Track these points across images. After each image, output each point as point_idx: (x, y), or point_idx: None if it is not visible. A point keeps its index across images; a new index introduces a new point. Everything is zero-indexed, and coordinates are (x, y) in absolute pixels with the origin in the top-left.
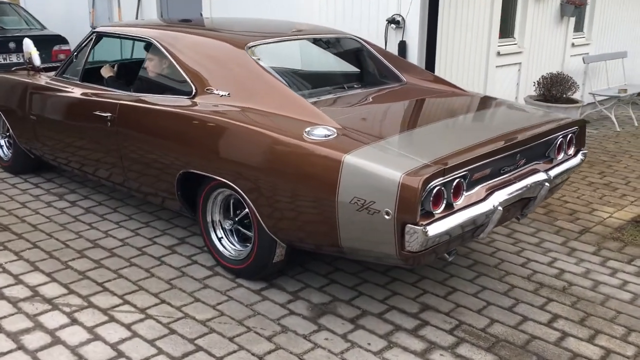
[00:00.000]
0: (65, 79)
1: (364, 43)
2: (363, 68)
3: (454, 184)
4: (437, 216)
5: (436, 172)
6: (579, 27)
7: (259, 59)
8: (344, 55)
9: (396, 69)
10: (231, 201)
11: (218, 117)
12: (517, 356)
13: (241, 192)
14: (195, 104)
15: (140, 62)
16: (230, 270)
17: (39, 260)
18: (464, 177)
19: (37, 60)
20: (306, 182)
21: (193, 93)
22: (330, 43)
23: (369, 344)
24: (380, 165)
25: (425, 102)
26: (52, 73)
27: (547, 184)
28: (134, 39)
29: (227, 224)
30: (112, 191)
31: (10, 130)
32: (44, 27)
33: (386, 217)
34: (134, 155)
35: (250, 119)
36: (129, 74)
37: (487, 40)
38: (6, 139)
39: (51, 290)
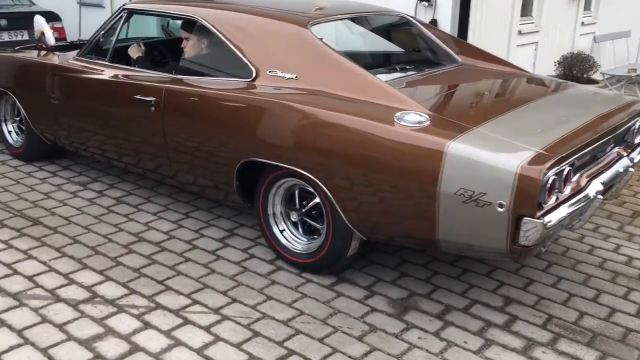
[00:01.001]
0: (92, 59)
1: (414, 21)
2: (419, 48)
3: (565, 172)
4: (547, 207)
5: (555, 161)
6: (587, 6)
7: (321, 39)
8: (399, 34)
9: (449, 47)
10: (296, 191)
11: (290, 102)
12: (619, 351)
13: (319, 182)
14: (257, 88)
15: (177, 41)
16: (296, 264)
17: (85, 256)
18: (572, 165)
19: (51, 39)
20: (400, 172)
21: (253, 76)
22: (383, 21)
23: (466, 342)
24: (492, 154)
25: (498, 84)
26: (71, 53)
27: (631, 169)
28: (174, 17)
29: (294, 216)
30: (139, 179)
31: (25, 114)
32: (32, 3)
33: (499, 209)
34: (183, 143)
35: (328, 103)
36: (165, 54)
37: (509, 19)
38: (15, 124)
39: (110, 290)
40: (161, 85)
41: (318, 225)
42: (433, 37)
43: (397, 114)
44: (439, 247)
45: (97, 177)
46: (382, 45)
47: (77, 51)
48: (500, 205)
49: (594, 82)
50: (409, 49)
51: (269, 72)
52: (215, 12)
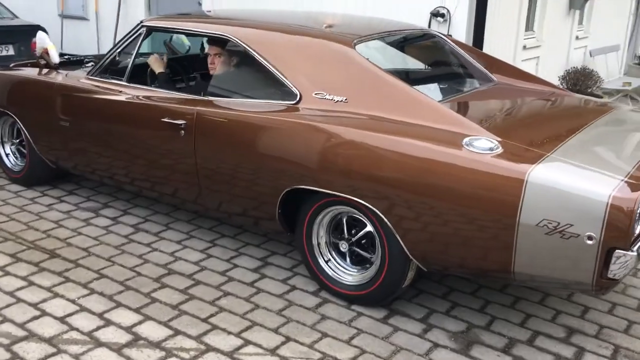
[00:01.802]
0: (107, 79)
1: (446, 38)
2: (455, 66)
3: None
4: (635, 237)
5: None
6: (579, 20)
7: (367, 59)
8: (432, 52)
9: (482, 65)
10: (343, 220)
11: (345, 127)
12: None
13: (378, 211)
14: (303, 111)
15: (199, 60)
16: (344, 296)
17: (116, 293)
18: None
19: (55, 57)
20: (473, 201)
21: (297, 98)
22: (415, 39)
23: None
24: (578, 183)
25: (547, 105)
26: (78, 71)
27: None
28: (201, 35)
29: (343, 246)
30: (152, 204)
31: (28, 137)
32: (15, 16)
33: (588, 242)
34: (217, 169)
35: (387, 128)
36: (190, 74)
37: (515, 34)
38: (14, 147)
39: (152, 331)
40: (192, 108)
41: (368, 255)
42: (466, 55)
43: (466, 140)
44: (513, 278)
45: (107, 202)
46: (418, 64)
47: (82, 69)
48: (590, 238)
49: (597, 96)
50: (445, 68)
51: (315, 94)
52: (250, 30)
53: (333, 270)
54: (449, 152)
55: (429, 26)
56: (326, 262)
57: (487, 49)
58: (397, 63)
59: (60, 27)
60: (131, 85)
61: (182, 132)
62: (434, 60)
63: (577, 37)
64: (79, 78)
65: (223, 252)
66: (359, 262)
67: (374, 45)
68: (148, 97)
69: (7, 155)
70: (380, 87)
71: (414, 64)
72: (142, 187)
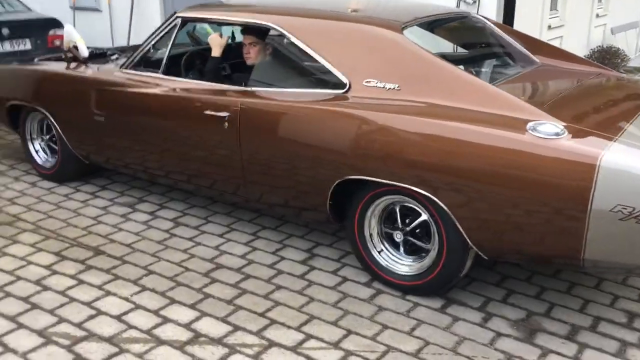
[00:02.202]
0: (142, 71)
1: (486, 21)
2: (498, 48)
3: None
4: None
5: None
6: None
7: (417, 44)
8: (474, 34)
9: (524, 47)
10: (396, 209)
11: (402, 115)
12: None
13: (438, 201)
14: (352, 100)
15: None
16: (398, 286)
17: (167, 289)
18: None
19: (84, 51)
20: (541, 188)
21: (347, 87)
22: (456, 22)
23: None
24: None
25: (599, 86)
26: (108, 65)
27: None
28: (241, 25)
29: (398, 236)
30: (187, 197)
31: (60, 133)
32: (28, 9)
33: None
34: (264, 161)
35: (445, 115)
36: (227, 65)
37: (541, 14)
38: (44, 143)
39: (211, 327)
40: (236, 100)
41: (423, 245)
42: (507, 37)
43: (530, 125)
44: (582, 266)
45: (142, 196)
46: (462, 48)
47: (113, 62)
48: None
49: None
50: (489, 51)
51: (365, 82)
52: (293, 19)
53: (386, 261)
54: (514, 138)
55: (458, 8)
56: (379, 252)
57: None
58: (442, 47)
59: (73, 20)
60: (168, 77)
61: (226, 124)
62: (478, 43)
63: (597, 15)
64: (112, 71)
65: (267, 244)
66: (412, 251)
67: (418, 30)
68: (187, 90)
69: (37, 151)
70: (434, 73)
71: (458, 48)
72: (180, 180)
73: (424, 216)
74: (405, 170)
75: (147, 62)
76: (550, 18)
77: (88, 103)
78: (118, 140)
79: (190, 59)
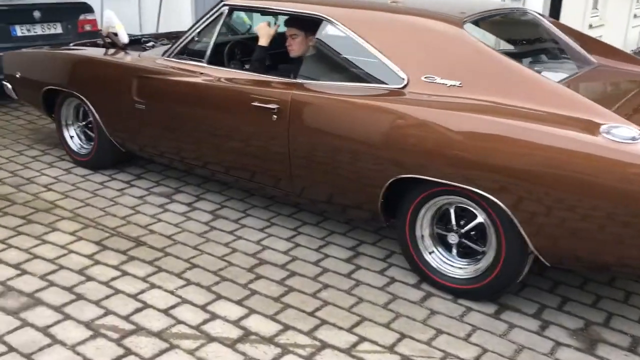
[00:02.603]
0: (185, 60)
1: (541, 17)
2: (557, 47)
3: None
4: None
5: None
6: None
7: (479, 39)
8: (531, 31)
9: (580, 45)
10: (450, 210)
11: (466, 113)
12: None
13: (500, 203)
14: (411, 95)
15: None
16: (450, 289)
17: (213, 283)
18: None
19: (124, 37)
20: (615, 194)
21: (405, 82)
22: (513, 18)
23: None
24: None
25: None
26: (151, 52)
27: None
28: (291, 15)
29: (452, 238)
30: (224, 188)
31: (99, 120)
32: None
33: None
34: (314, 155)
35: (512, 114)
36: (274, 56)
37: (583, 13)
38: (79, 129)
39: (261, 325)
40: (286, 92)
41: (479, 248)
42: (563, 35)
43: (603, 128)
44: None
45: (178, 187)
46: (519, 45)
47: (153, 49)
48: None
49: None
50: (547, 49)
51: (425, 78)
52: (346, 10)
53: (438, 263)
54: (587, 141)
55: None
56: (430, 253)
57: None
58: (500, 43)
59: (101, 5)
60: (213, 67)
61: (274, 116)
62: (535, 40)
63: (634, 15)
64: (155, 59)
65: (310, 240)
66: (465, 254)
67: (476, 25)
68: (233, 80)
69: (71, 137)
70: (499, 70)
71: (515, 44)
72: (220, 172)
73: (480, 218)
74: (468, 171)
75: (191, 51)
76: (591, 17)
77: (128, 90)
78: (158, 129)
79: (235, 48)
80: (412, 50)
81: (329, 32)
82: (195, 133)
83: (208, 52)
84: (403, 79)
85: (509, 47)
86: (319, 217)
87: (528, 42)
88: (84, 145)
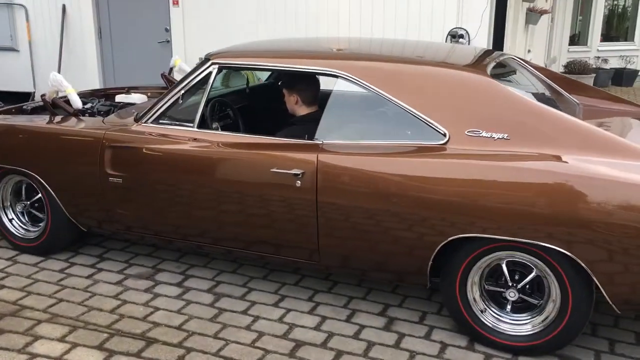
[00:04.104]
0: (167, 126)
1: (520, 61)
2: (550, 90)
3: None
4: None
5: None
6: None
7: (513, 89)
8: (526, 77)
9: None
10: (502, 265)
11: (529, 167)
12: None
13: (577, 258)
14: (457, 152)
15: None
16: (508, 348)
17: None
18: None
19: (77, 102)
20: None
21: (446, 138)
22: (505, 64)
23: None
24: None
25: None
26: (114, 117)
27: None
28: (298, 73)
29: (511, 294)
30: (209, 260)
31: (55, 197)
32: None
33: None
34: (348, 223)
35: (578, 166)
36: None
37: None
38: (23, 210)
39: None
40: (311, 154)
41: (536, 301)
42: (545, 78)
43: None
44: None
45: (154, 264)
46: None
47: (115, 114)
48: None
49: None
50: (546, 93)
51: (469, 132)
52: (360, 64)
53: (492, 322)
54: None
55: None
56: (482, 312)
57: None
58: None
59: None
60: (206, 131)
61: (299, 182)
62: (532, 85)
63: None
64: (126, 125)
65: (333, 311)
66: (519, 309)
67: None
68: (237, 145)
69: (10, 220)
70: (543, 119)
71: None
72: (230, 248)
73: (537, 271)
74: (534, 225)
75: (173, 115)
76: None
77: (98, 163)
78: (142, 205)
79: (228, 109)
80: (446, 103)
81: (345, 88)
82: (192, 206)
83: (198, 116)
84: (444, 134)
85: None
86: (360, 290)
87: (528, 87)
88: (30, 228)
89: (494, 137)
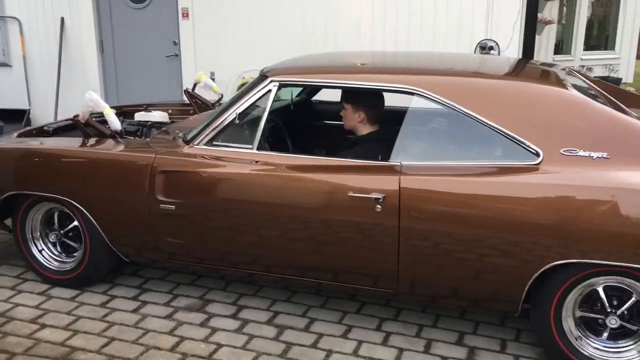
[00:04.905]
0: (223, 148)
1: (578, 74)
2: (613, 103)
3: None
4: None
5: None
6: None
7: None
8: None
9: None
10: (599, 290)
11: (630, 189)
12: None
13: None
14: (554, 172)
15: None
16: None
17: None
18: None
19: (116, 123)
20: None
21: (540, 158)
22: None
23: None
24: None
25: None
26: (159, 138)
27: None
28: (367, 90)
29: (612, 321)
30: (257, 289)
31: (98, 227)
32: None
33: None
34: (433, 250)
35: None
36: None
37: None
38: (56, 239)
39: None
40: (391, 177)
41: (634, 327)
42: (601, 89)
43: None
44: None
45: (201, 295)
46: None
47: (157, 136)
48: None
49: None
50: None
51: (564, 151)
52: (439, 79)
53: (592, 352)
54: None
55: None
56: (576, 340)
57: None
58: None
59: None
60: (268, 153)
61: (378, 207)
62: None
63: None
64: (178, 148)
65: (408, 340)
66: (615, 336)
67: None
68: (305, 167)
69: (40, 251)
70: (631, 135)
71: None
72: (290, 275)
73: (636, 296)
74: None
75: (229, 136)
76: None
77: (147, 189)
78: (199, 233)
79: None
80: (537, 120)
81: (419, 105)
82: (255, 234)
83: (258, 136)
84: (536, 153)
85: None
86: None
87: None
88: (64, 259)
89: (592, 156)
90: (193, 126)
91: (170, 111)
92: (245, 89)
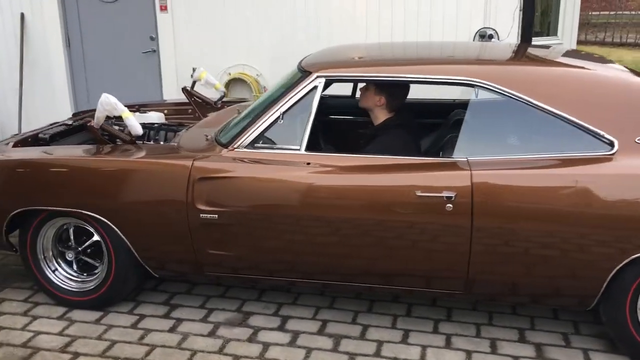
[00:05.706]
0: (267, 150)
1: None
2: None
3: None
4: None
5: None
6: None
7: None
8: None
9: None
10: None
11: None
12: None
13: None
14: (630, 162)
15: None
16: None
17: None
18: None
19: (137, 128)
20: None
21: (615, 147)
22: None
23: None
24: None
25: None
26: (191, 141)
27: None
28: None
29: None
30: (295, 297)
31: (125, 240)
32: None
33: None
34: (510, 250)
35: None
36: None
37: None
38: (72, 257)
39: None
40: (461, 173)
41: None
42: None
43: None
44: None
45: (237, 307)
46: None
47: (184, 140)
48: None
49: None
50: None
51: (639, 140)
52: (501, 69)
53: None
54: None
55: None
56: None
57: None
58: None
59: None
60: (317, 154)
61: (449, 206)
62: None
63: None
64: (215, 152)
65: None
66: None
67: None
68: (363, 168)
69: (54, 271)
70: None
71: None
72: (344, 282)
73: None
74: None
75: (273, 137)
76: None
77: (185, 198)
78: (248, 243)
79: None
80: (609, 109)
81: (480, 97)
82: (311, 240)
83: (306, 136)
84: (610, 142)
85: None
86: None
87: None
88: (85, 279)
89: None
90: (220, 127)
91: (166, 111)
92: (286, 86)
